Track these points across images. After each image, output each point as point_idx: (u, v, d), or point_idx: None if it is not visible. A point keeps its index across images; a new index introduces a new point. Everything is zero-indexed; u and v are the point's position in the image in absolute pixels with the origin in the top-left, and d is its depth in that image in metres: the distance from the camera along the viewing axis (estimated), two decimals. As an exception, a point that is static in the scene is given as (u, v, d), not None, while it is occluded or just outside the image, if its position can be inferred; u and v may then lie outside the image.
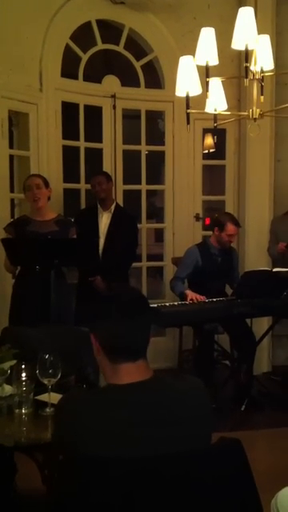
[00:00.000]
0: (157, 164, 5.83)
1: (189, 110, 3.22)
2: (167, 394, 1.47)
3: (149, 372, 1.50)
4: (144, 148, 5.28)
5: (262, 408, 4.26)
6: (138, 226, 4.85)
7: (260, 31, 2.97)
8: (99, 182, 4.46)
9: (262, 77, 3.14)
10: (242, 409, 4.08)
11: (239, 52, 3.24)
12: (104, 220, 4.48)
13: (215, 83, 3.31)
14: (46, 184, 3.91)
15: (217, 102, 3.36)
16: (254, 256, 5.15)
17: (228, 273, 4.51)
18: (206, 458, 1.40)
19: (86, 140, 5.00)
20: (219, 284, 4.47)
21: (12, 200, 4.62)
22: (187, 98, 3.19)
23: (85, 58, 4.94)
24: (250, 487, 1.41)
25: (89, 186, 4.94)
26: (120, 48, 5.08)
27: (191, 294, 4.12)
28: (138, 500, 1.32)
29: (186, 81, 3.19)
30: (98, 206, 4.51)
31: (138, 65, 5.14)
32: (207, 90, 3.15)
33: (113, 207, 4.51)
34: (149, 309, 1.59)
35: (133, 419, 1.40)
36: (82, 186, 4.99)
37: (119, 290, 1.66)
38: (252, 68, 3.11)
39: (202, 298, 4.10)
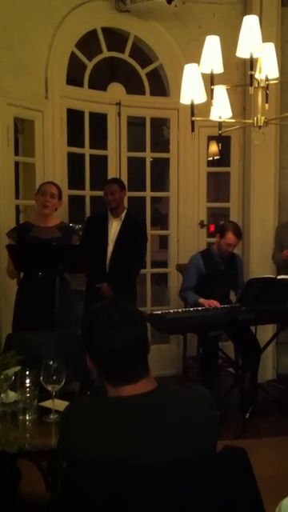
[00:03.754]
0: (161, 171, 5.84)
1: (194, 118, 3.24)
2: (170, 401, 1.47)
3: (152, 385, 1.48)
4: (149, 155, 5.30)
5: (266, 415, 4.24)
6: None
7: (265, 39, 2.99)
8: (112, 192, 4.39)
9: (267, 85, 3.15)
10: (247, 416, 4.06)
11: (244, 60, 3.27)
12: (114, 227, 4.45)
13: (220, 91, 3.32)
14: (60, 196, 3.95)
15: (221, 109, 3.37)
16: (259, 263, 5.14)
17: (232, 279, 4.51)
18: (210, 465, 1.40)
19: (91, 147, 5.02)
20: (223, 290, 4.47)
21: (17, 206, 4.63)
22: (192, 105, 3.21)
23: (90, 65, 4.96)
24: (255, 496, 1.40)
25: (93, 193, 4.96)
26: (125, 56, 5.11)
27: (205, 302, 4.14)
28: (141, 506, 1.32)
29: (190, 88, 3.20)
30: (109, 213, 4.48)
31: (143, 72, 5.16)
32: (212, 98, 3.16)
33: (123, 214, 4.47)
34: (138, 327, 1.48)
35: (135, 426, 1.40)
36: (87, 192, 5.00)
37: (102, 311, 1.51)
38: (257, 76, 3.12)
39: (216, 303, 4.12)
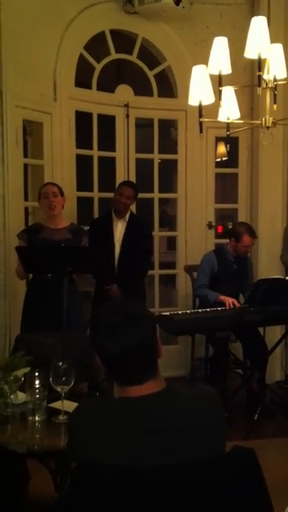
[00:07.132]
0: (169, 172, 5.85)
1: (201, 119, 3.24)
2: (177, 403, 1.46)
3: (160, 385, 1.47)
4: (157, 156, 5.30)
5: (274, 416, 4.23)
6: (151, 233, 4.86)
7: (273, 40, 2.99)
8: (127, 196, 4.38)
9: (275, 85, 3.15)
10: (255, 417, 4.05)
11: (252, 61, 3.25)
12: (119, 228, 4.46)
13: (228, 92, 3.32)
14: (61, 193, 3.96)
15: (229, 110, 3.37)
16: (267, 264, 5.13)
17: (243, 278, 4.52)
18: (217, 467, 1.40)
19: (100, 149, 5.03)
20: (235, 288, 4.48)
21: (26, 208, 4.65)
22: (200, 106, 3.21)
23: (98, 67, 4.98)
24: (264, 496, 1.40)
25: (102, 195, 4.97)
26: (133, 57, 5.12)
27: (226, 299, 4.15)
28: (146, 509, 1.32)
29: (198, 90, 3.20)
30: (113, 215, 4.49)
31: (150, 74, 5.17)
32: (220, 99, 3.16)
33: (127, 216, 4.48)
34: (142, 328, 1.45)
35: (140, 427, 1.40)
36: (96, 194, 5.01)
37: (107, 312, 1.50)
38: (265, 77, 3.12)
39: (237, 304, 4.15)
